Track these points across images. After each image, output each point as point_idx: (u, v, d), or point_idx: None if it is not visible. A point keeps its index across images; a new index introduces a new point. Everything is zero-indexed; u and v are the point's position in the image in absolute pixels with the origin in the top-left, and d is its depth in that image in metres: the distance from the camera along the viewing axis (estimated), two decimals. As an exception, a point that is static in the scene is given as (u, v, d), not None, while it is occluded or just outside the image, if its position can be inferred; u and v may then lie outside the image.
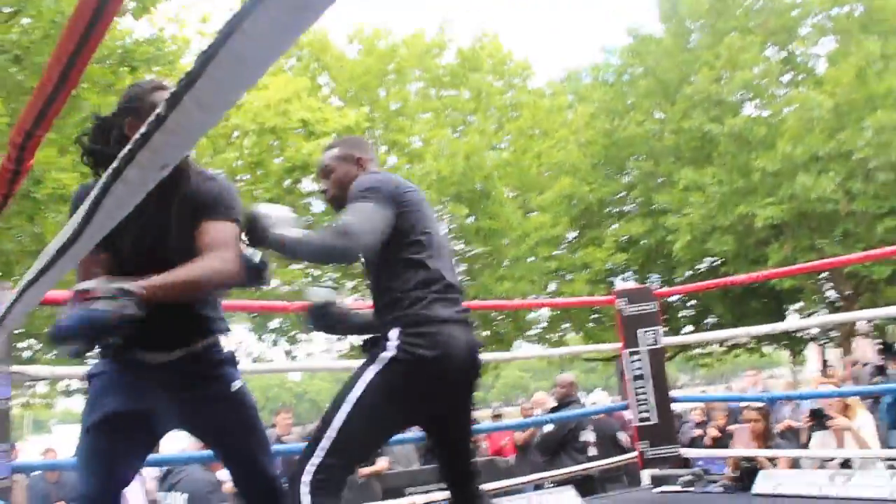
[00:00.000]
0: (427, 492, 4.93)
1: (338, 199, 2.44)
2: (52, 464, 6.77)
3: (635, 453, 4.96)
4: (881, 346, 9.61)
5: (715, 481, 4.87)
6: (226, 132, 12.66)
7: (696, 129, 15.95)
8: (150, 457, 4.75)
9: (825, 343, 19.53)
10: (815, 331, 18.36)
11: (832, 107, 14.02)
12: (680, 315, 18.60)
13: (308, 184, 14.54)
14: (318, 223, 13.41)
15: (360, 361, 2.24)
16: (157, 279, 1.88)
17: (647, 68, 17.47)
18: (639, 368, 4.91)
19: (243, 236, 2.13)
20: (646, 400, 4.87)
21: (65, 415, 39.29)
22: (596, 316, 17.56)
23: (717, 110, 15.78)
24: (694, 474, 4.80)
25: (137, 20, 9.95)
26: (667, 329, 11.84)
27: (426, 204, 2.39)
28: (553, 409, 6.32)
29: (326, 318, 2.48)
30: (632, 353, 4.94)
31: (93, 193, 0.95)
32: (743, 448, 5.59)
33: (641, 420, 4.89)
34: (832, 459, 5.05)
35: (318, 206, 15.37)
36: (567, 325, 18.70)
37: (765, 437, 5.54)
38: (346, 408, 2.11)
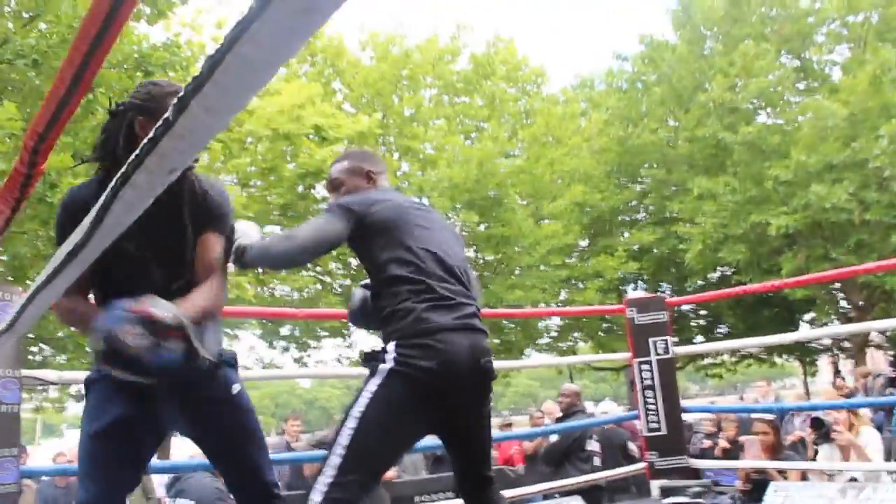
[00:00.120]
0: (435, 501, 4.92)
1: None
2: (62, 469, 6.77)
3: (644, 464, 4.94)
4: (894, 358, 9.55)
5: (725, 493, 4.83)
6: (239, 137, 12.68)
7: (709, 137, 15.91)
8: (158, 463, 4.74)
9: (838, 354, 19.40)
10: (827, 341, 18.25)
11: (847, 115, 13.95)
12: (691, 324, 18.54)
13: (321, 189, 14.56)
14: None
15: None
16: (191, 308, 1.97)
17: (661, 75, 17.45)
18: (649, 378, 4.89)
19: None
20: (655, 410, 4.84)
21: (76, 419, 39.44)
22: (607, 325, 17.51)
23: (731, 118, 15.73)
24: (703, 486, 4.77)
25: (153, 25, 10.02)
26: (677, 339, 11.81)
27: (413, 215, 2.38)
28: (558, 420, 6.30)
29: (367, 318, 2.49)
30: (642, 363, 4.91)
31: (101, 198, 0.95)
32: (753, 460, 5.55)
33: (651, 430, 4.86)
34: (840, 472, 5.01)
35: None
36: (578, 333, 18.64)
37: (775, 450, 5.49)
38: (351, 423, 2.11)
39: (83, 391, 2.23)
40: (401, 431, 2.21)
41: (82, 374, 3.11)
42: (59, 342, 11.64)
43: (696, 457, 6.11)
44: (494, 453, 8.49)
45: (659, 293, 12.96)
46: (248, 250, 2.15)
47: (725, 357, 20.09)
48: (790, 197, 14.50)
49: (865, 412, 5.45)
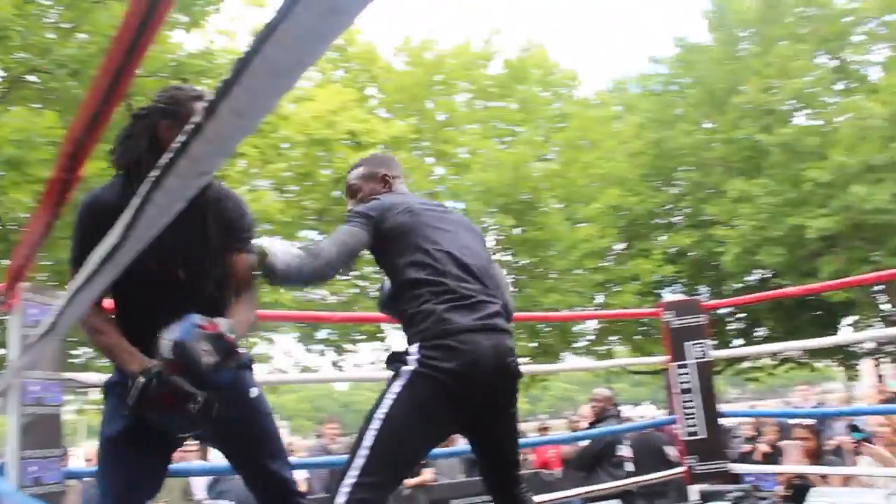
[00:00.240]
0: (471, 504, 4.92)
1: None
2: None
3: (683, 468, 4.90)
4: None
5: (765, 498, 4.77)
6: (275, 143, 12.80)
7: (745, 139, 15.74)
8: (199, 466, 4.78)
9: (880, 357, 19.06)
10: (869, 345, 17.94)
11: (887, 115, 13.73)
12: (729, 328, 18.32)
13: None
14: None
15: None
16: (243, 324, 2.07)
17: (696, 78, 17.30)
18: (686, 382, 4.85)
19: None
20: (694, 414, 4.80)
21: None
22: (644, 328, 17.38)
23: (767, 120, 15.55)
24: (743, 490, 4.71)
25: (189, 33, 10.17)
26: (715, 342, 11.69)
27: (429, 217, 2.38)
28: (590, 424, 6.25)
29: (398, 307, 2.50)
30: (679, 367, 4.87)
31: (133, 202, 0.97)
32: (793, 465, 5.48)
33: (689, 434, 4.81)
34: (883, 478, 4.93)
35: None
36: (614, 337, 18.52)
37: (815, 455, 5.42)
38: (375, 425, 2.11)
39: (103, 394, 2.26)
40: (424, 433, 2.21)
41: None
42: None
43: (736, 461, 6.05)
44: (531, 457, 8.48)
45: (696, 296, 12.84)
46: (277, 271, 2.13)
47: (764, 361, 19.83)
48: (829, 199, 14.30)
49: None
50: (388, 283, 2.50)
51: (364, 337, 16.15)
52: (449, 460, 6.88)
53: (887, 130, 13.85)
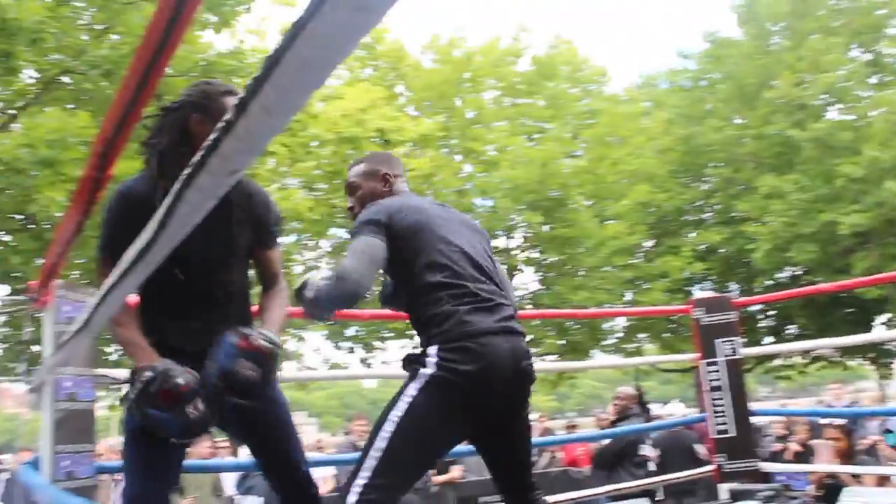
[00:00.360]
0: (500, 501, 4.91)
1: None
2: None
3: (712, 466, 4.86)
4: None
5: (796, 498, 4.73)
6: (304, 142, 12.86)
7: (777, 134, 15.57)
8: (228, 461, 4.81)
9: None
10: (904, 343, 17.67)
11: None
12: (759, 326, 18.14)
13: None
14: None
15: None
16: (277, 329, 2.15)
17: (726, 73, 17.14)
18: (716, 379, 4.81)
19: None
20: (723, 412, 4.76)
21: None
22: (673, 326, 17.26)
23: (799, 115, 15.37)
24: (774, 490, 4.67)
25: (218, 34, 10.25)
26: (746, 340, 11.60)
27: (436, 215, 2.35)
28: (612, 423, 6.21)
29: (398, 301, 2.51)
30: (709, 364, 4.84)
31: (165, 201, 0.97)
32: (824, 464, 5.42)
33: (719, 432, 4.78)
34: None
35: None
36: (644, 335, 18.41)
37: (847, 456, 5.35)
38: (388, 427, 2.09)
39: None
40: (438, 436, 2.19)
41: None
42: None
43: (766, 460, 5.99)
44: (560, 455, 8.47)
45: (726, 293, 12.73)
46: (310, 303, 2.16)
47: (796, 359, 19.60)
48: (862, 194, 14.11)
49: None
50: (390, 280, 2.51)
51: (393, 334, 16.18)
52: (477, 458, 6.87)
53: (923, 125, 13.66)
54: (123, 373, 3.35)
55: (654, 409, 8.23)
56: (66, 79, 9.75)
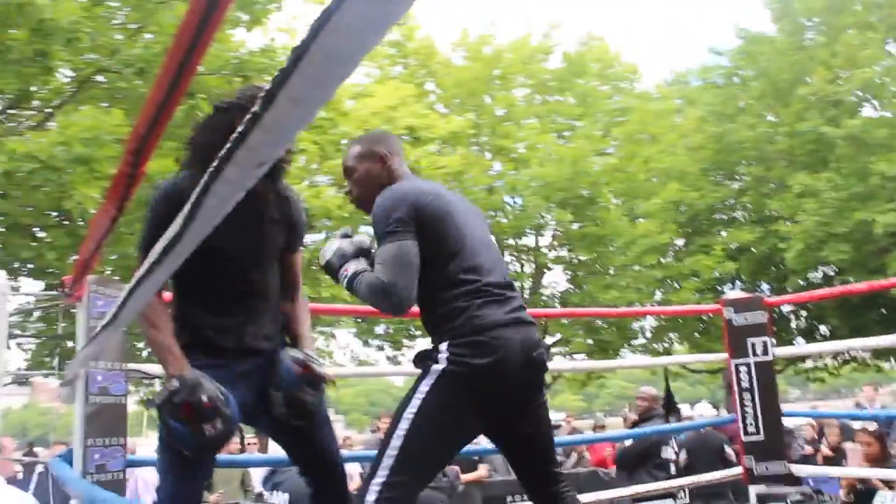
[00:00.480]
0: (527, 500, 4.90)
1: (361, 199, 2.41)
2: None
3: (741, 469, 4.82)
4: None
5: (827, 502, 4.68)
6: (334, 139, 12.91)
7: (810, 131, 15.35)
8: (257, 457, 4.84)
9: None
10: (939, 345, 17.37)
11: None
12: (791, 326, 17.92)
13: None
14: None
15: None
16: (311, 342, 2.37)
17: (759, 69, 16.94)
18: (746, 380, 4.76)
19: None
20: (753, 413, 4.72)
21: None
22: (703, 326, 17.11)
23: (833, 112, 15.16)
24: (804, 493, 4.62)
25: (250, 32, 10.33)
26: (777, 340, 11.48)
27: (451, 203, 2.31)
28: (634, 424, 6.17)
29: None
30: (739, 365, 4.79)
31: (194, 193, 0.98)
32: (856, 468, 5.34)
33: (748, 434, 4.73)
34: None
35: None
36: (673, 334, 18.27)
37: (880, 460, 5.27)
38: (403, 424, 2.10)
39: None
40: (453, 432, 2.20)
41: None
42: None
43: (797, 463, 5.93)
44: (587, 455, 8.43)
45: (757, 293, 12.59)
46: (353, 289, 2.25)
47: (828, 361, 19.34)
48: (898, 193, 13.89)
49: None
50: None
51: (420, 332, 16.21)
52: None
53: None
54: (155, 368, 3.40)
55: (683, 410, 8.16)
56: (100, 78, 9.87)
